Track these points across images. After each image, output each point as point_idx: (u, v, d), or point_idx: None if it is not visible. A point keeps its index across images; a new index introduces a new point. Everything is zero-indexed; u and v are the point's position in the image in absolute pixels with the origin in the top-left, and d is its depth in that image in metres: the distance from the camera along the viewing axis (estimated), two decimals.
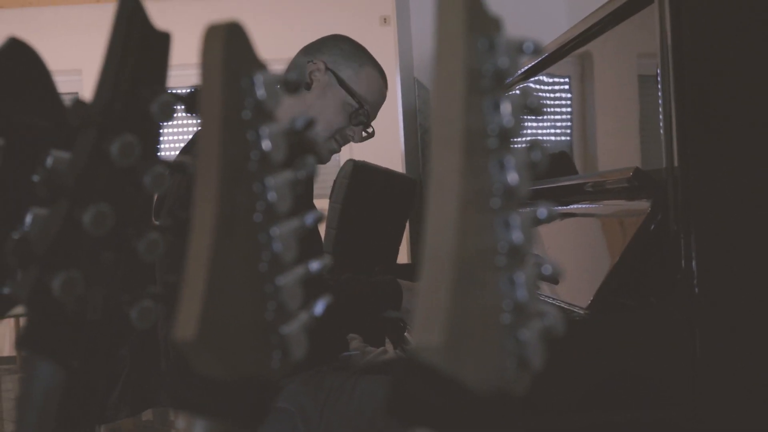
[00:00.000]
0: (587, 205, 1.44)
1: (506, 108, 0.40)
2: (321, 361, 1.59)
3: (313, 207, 1.67)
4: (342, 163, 2.51)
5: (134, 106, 0.51)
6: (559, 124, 1.71)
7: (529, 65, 1.75)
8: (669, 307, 1.13)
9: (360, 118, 1.69)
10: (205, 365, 0.43)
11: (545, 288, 1.40)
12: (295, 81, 0.47)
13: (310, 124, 0.48)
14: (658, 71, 1.16)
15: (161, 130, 0.53)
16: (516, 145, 0.42)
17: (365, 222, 2.28)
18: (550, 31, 1.86)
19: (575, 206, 1.49)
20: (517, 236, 0.40)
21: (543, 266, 0.41)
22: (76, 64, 5.12)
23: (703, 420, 1.16)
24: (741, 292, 1.13)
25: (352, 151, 4.93)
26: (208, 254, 0.43)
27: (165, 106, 0.51)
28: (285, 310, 0.46)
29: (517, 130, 0.40)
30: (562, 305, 1.26)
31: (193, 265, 0.43)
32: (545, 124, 1.78)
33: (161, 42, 0.52)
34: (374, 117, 1.74)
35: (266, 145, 0.45)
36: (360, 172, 2.31)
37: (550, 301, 1.32)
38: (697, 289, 1.12)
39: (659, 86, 1.17)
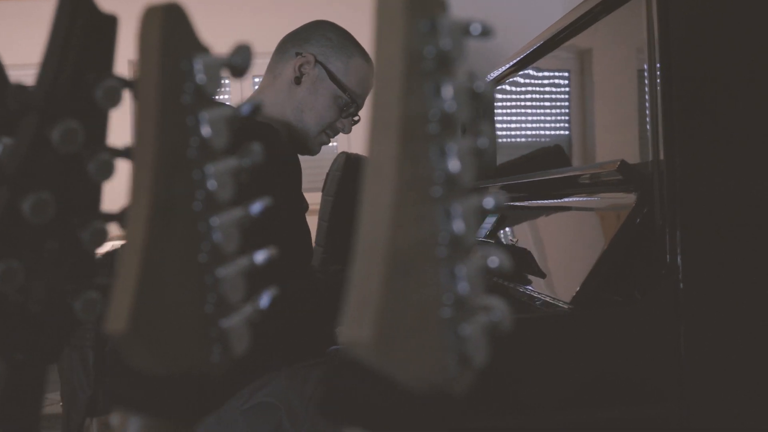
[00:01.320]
0: (573, 199, 1.42)
1: (448, 92, 0.38)
2: (307, 355, 1.57)
3: (301, 198, 1.66)
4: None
5: (79, 91, 0.49)
6: (548, 116, 1.69)
7: (519, 57, 1.73)
8: (654, 302, 1.11)
9: (351, 110, 1.68)
10: (138, 358, 0.41)
11: (531, 281, 1.38)
12: (240, 65, 0.45)
13: (256, 109, 0.46)
14: (645, 65, 1.15)
15: (108, 117, 0.51)
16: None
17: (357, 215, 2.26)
18: (546, 25, 1.84)
19: (561, 200, 1.47)
20: (458, 226, 0.38)
21: (489, 258, 0.39)
22: None
23: (689, 416, 1.14)
24: (726, 287, 1.12)
25: (350, 145, 4.92)
26: (142, 243, 0.41)
27: (110, 91, 0.49)
28: (226, 302, 0.44)
29: (460, 115, 0.39)
30: (547, 299, 1.24)
31: (127, 254, 0.41)
32: (535, 117, 1.76)
33: (107, 25, 0.50)
34: (362, 105, 1.73)
35: (206, 131, 0.43)
36: (352, 165, 2.29)
37: (535, 294, 1.30)
38: (682, 285, 1.10)
39: (646, 79, 1.15)
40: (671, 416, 1.15)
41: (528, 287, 1.37)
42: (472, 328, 0.38)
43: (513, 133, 1.95)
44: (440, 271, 0.38)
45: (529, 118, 1.80)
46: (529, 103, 1.80)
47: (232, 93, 5.07)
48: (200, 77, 0.43)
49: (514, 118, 1.93)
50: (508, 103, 1.96)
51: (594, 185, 1.33)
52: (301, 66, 1.65)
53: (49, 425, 2.97)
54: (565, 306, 1.16)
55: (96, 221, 0.50)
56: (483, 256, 0.39)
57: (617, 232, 1.13)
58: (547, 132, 1.71)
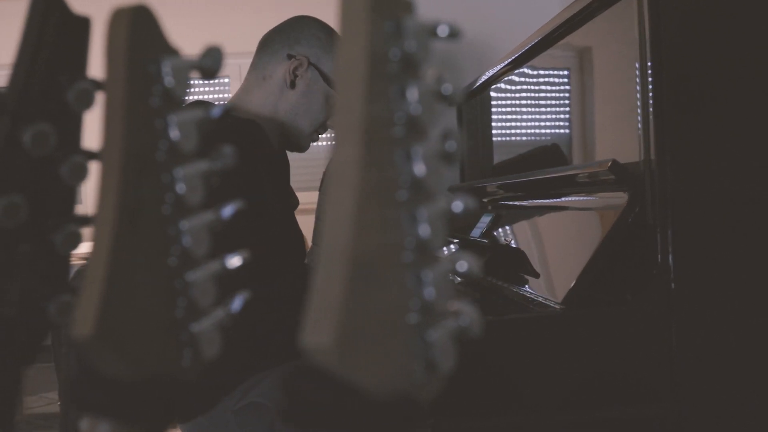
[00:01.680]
0: (566, 198, 1.42)
1: (414, 95, 0.38)
2: (298, 354, 1.57)
3: (290, 194, 1.66)
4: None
5: (51, 93, 0.49)
6: (544, 115, 1.69)
7: (515, 55, 1.72)
8: (645, 301, 1.11)
9: None
10: (106, 363, 0.41)
11: (525, 281, 1.38)
12: (210, 67, 0.45)
13: (227, 112, 0.46)
14: (637, 63, 1.14)
15: (82, 119, 0.51)
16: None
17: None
18: (543, 22, 1.83)
19: (554, 199, 1.47)
20: (424, 231, 0.38)
21: (457, 262, 0.39)
22: None
23: (681, 416, 1.14)
24: (718, 286, 1.11)
25: None
26: (109, 246, 0.41)
27: (83, 93, 0.49)
28: (196, 306, 0.44)
29: (427, 118, 0.38)
30: (539, 299, 1.24)
31: (93, 257, 0.41)
32: (530, 115, 1.76)
33: (80, 27, 0.50)
34: None
35: (175, 134, 0.43)
36: None
37: (528, 294, 1.30)
38: (673, 285, 1.10)
39: (638, 77, 1.14)
40: (663, 416, 1.15)
41: (521, 287, 1.36)
42: (439, 333, 0.38)
43: (508, 131, 1.94)
44: (406, 276, 0.37)
45: (525, 116, 1.80)
46: (524, 102, 1.80)
47: (232, 91, 5.07)
48: (168, 80, 0.43)
49: (509, 117, 1.93)
50: (504, 102, 1.96)
51: (587, 185, 1.33)
52: (295, 69, 1.65)
53: (47, 424, 2.97)
54: (557, 306, 1.16)
55: (70, 224, 0.50)
56: (451, 261, 0.39)
57: (609, 232, 1.13)
58: (543, 130, 1.70)
